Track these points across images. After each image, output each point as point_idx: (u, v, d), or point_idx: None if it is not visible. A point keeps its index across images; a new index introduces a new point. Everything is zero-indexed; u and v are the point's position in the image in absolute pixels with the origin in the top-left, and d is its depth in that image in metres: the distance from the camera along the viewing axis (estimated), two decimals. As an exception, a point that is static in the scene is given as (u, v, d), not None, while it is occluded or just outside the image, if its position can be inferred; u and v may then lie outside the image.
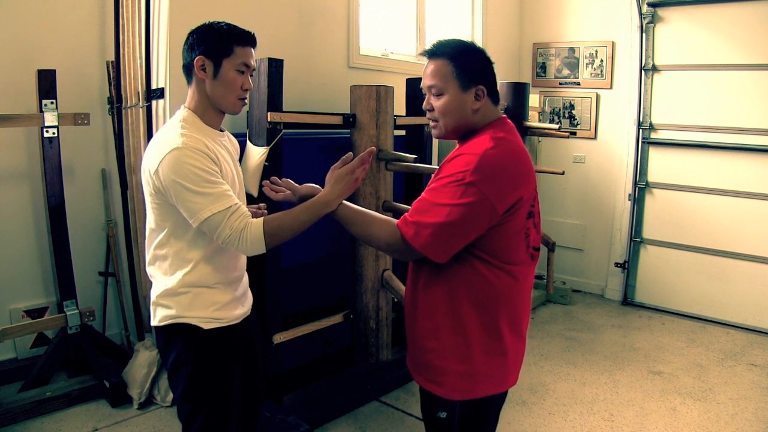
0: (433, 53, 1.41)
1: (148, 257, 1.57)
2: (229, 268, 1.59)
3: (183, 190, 1.38)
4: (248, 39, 1.52)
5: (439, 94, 1.40)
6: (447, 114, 1.41)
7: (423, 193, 1.38)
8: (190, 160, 1.38)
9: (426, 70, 1.42)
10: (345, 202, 1.48)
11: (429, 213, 1.32)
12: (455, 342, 1.41)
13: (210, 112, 1.53)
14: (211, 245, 1.52)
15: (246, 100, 1.56)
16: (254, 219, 1.44)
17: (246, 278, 1.72)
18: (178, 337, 1.54)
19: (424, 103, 1.45)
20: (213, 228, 1.41)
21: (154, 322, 1.57)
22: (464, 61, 1.39)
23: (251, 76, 1.55)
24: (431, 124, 1.46)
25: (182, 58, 1.52)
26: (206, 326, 1.52)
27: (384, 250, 1.45)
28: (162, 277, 1.53)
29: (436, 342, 1.44)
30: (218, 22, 1.51)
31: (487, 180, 1.29)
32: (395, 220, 1.39)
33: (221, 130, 1.59)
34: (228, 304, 1.58)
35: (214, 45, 1.47)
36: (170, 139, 1.42)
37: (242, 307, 1.66)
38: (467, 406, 1.46)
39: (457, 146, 1.47)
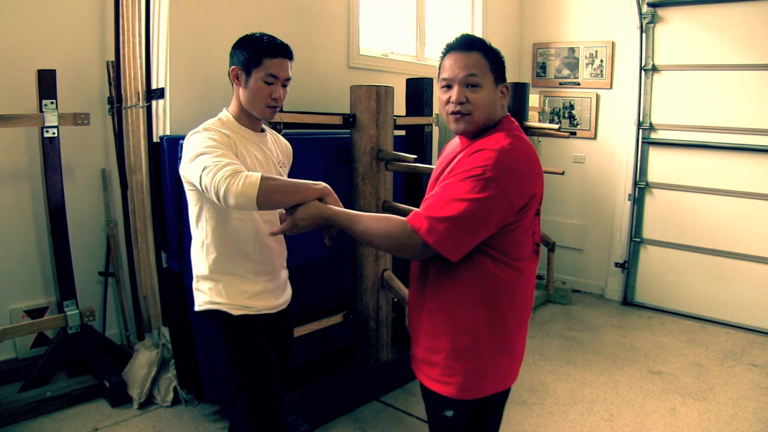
0: (471, 45, 1.38)
1: (191, 246, 1.69)
2: (257, 260, 1.66)
3: (193, 156, 1.46)
4: (279, 50, 1.59)
5: (475, 86, 1.37)
6: (483, 107, 1.38)
7: (437, 188, 1.35)
8: (204, 135, 1.50)
9: (460, 62, 1.37)
10: (341, 208, 1.43)
11: (445, 208, 1.28)
12: (465, 341, 1.41)
13: (245, 116, 1.65)
14: (241, 235, 1.60)
15: (277, 108, 1.65)
16: (252, 173, 1.39)
17: (285, 273, 1.81)
18: (212, 322, 1.64)
19: (456, 95, 1.37)
20: (208, 173, 1.38)
21: (195, 308, 1.68)
22: (495, 58, 1.39)
23: (284, 86, 1.63)
24: (456, 117, 1.39)
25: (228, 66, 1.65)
26: (235, 312, 1.62)
27: (391, 249, 1.39)
28: (198, 262, 1.65)
29: (445, 342, 1.43)
30: (257, 34, 1.60)
31: (507, 176, 1.28)
32: (400, 217, 1.36)
33: (262, 130, 1.70)
34: (258, 295, 1.66)
35: (246, 56, 1.58)
36: (198, 127, 1.56)
37: (275, 300, 1.73)
38: (475, 404, 1.46)
39: (461, 142, 1.46)
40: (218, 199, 1.37)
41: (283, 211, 1.59)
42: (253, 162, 1.60)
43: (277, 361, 1.72)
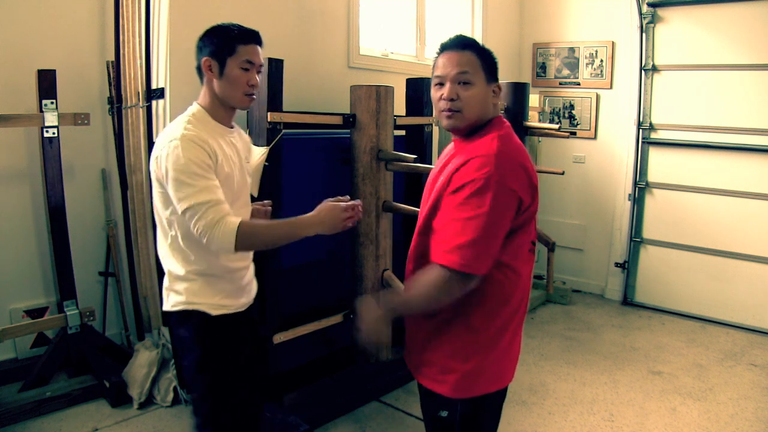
0: (464, 45, 1.42)
1: (158, 244, 1.64)
2: (233, 258, 1.64)
3: (174, 180, 1.46)
4: (251, 37, 1.58)
5: (467, 83, 1.40)
6: (474, 105, 1.40)
7: (449, 214, 1.34)
8: (185, 152, 1.46)
9: (452, 60, 1.41)
10: (393, 294, 1.46)
11: (464, 232, 1.30)
12: (462, 341, 1.42)
13: (219, 109, 1.61)
14: None
15: (254, 96, 1.63)
16: (232, 217, 1.47)
17: (252, 268, 1.79)
18: (187, 322, 1.61)
19: (447, 92, 1.40)
20: (191, 217, 1.45)
21: (166, 307, 1.65)
22: (488, 57, 1.42)
23: (259, 72, 1.62)
24: (448, 114, 1.43)
25: (195, 60, 1.61)
26: (214, 312, 1.60)
27: (450, 298, 1.36)
28: (170, 262, 1.60)
29: (441, 341, 1.44)
30: (224, 24, 1.58)
31: (506, 174, 1.31)
32: (432, 268, 1.35)
33: (231, 127, 1.67)
34: (234, 293, 1.66)
35: (218, 46, 1.55)
36: (173, 131, 1.51)
37: (247, 296, 1.73)
38: (468, 404, 1.47)
39: (455, 143, 1.48)
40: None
41: (268, 207, 1.71)
42: (230, 169, 1.58)
43: (252, 361, 1.72)
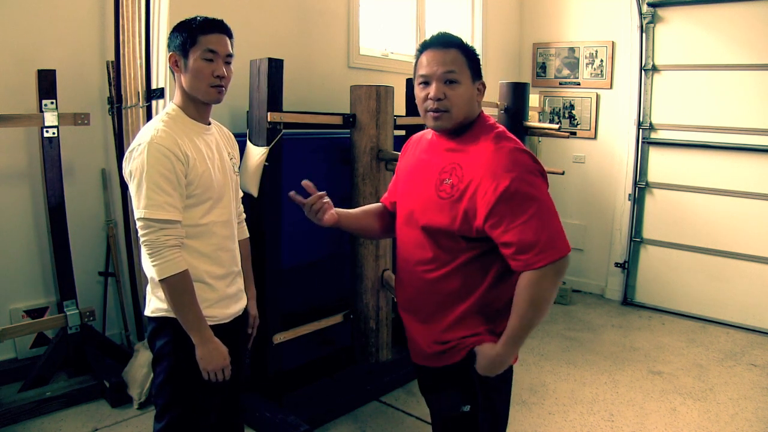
0: (448, 43, 1.39)
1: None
2: (222, 262, 1.59)
3: (137, 182, 1.44)
4: (213, 26, 1.52)
5: (454, 82, 1.37)
6: (462, 104, 1.39)
7: (517, 218, 1.30)
8: (149, 159, 1.43)
9: (437, 58, 1.38)
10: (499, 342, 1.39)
11: (545, 224, 1.30)
12: (487, 322, 1.44)
13: (192, 105, 1.57)
14: (203, 238, 1.53)
15: (223, 88, 1.55)
16: (183, 258, 1.46)
17: (242, 278, 1.72)
18: (166, 330, 1.56)
19: (435, 91, 1.37)
20: (143, 228, 1.43)
21: (146, 312, 1.60)
22: (472, 55, 1.41)
23: (228, 63, 1.55)
24: (435, 115, 1.39)
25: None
26: None
27: (555, 291, 1.37)
28: (151, 269, 1.49)
29: (467, 321, 1.43)
30: (190, 18, 1.53)
31: (533, 163, 1.35)
32: (524, 278, 1.33)
33: (208, 123, 1.62)
34: (219, 302, 1.59)
35: (182, 39, 1.51)
36: (145, 133, 1.48)
37: (235, 306, 1.66)
38: (492, 382, 1.46)
39: (443, 140, 1.46)
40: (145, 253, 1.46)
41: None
42: (206, 167, 1.52)
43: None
